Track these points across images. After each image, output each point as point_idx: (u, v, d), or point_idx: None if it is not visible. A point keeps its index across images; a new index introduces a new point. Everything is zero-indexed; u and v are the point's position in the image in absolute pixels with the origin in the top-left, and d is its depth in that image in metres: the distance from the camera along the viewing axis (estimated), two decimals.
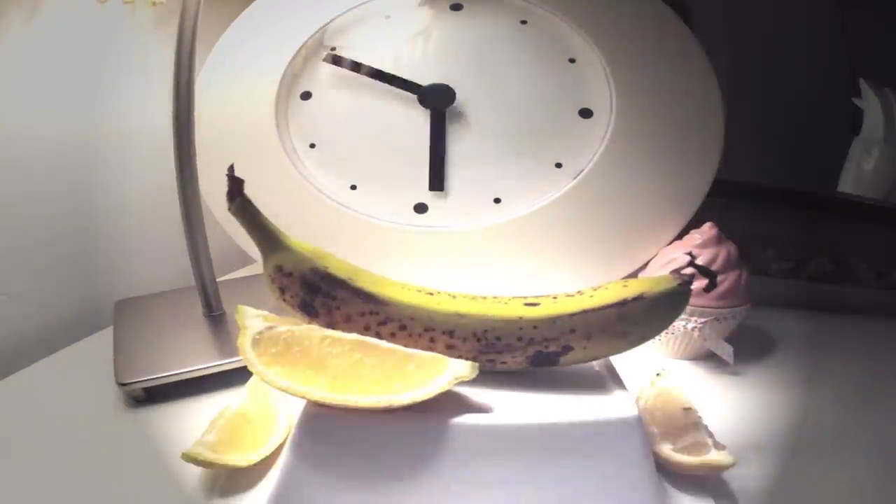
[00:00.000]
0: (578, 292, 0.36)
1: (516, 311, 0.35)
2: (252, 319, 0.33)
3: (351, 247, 0.42)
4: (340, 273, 0.35)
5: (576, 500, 0.32)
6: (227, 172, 0.34)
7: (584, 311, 0.34)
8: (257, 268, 0.48)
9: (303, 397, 0.31)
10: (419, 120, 0.51)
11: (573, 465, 0.32)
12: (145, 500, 0.34)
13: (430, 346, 0.35)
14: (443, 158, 0.50)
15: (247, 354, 0.32)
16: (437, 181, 0.49)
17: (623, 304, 0.34)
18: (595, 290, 0.36)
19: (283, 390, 0.31)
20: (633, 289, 0.35)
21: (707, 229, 0.47)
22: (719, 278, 0.44)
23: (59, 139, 0.52)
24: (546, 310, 0.34)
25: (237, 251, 0.50)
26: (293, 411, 0.36)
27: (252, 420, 0.37)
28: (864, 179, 0.62)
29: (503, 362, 0.35)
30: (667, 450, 0.35)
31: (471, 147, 0.50)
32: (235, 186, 0.34)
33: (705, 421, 0.37)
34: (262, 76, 0.52)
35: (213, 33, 0.54)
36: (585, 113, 0.50)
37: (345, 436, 0.32)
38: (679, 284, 0.35)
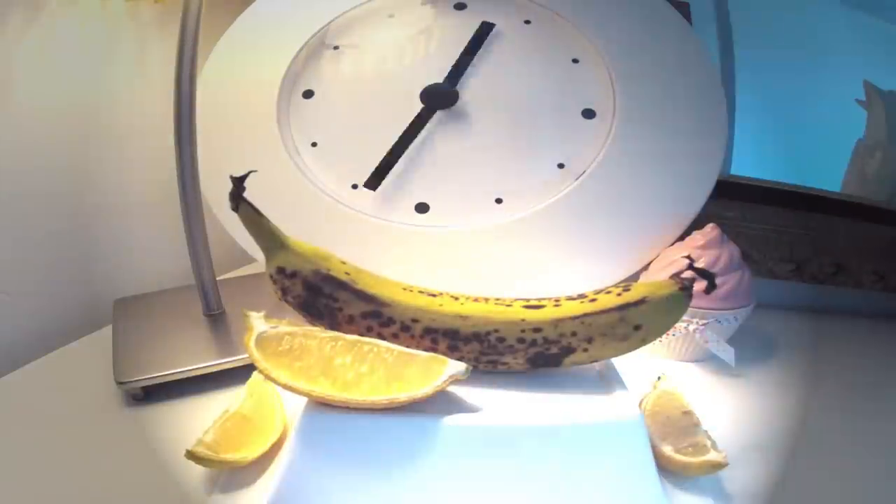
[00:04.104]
0: (580, 295, 0.36)
1: (519, 313, 0.35)
2: (257, 320, 0.34)
3: (352, 246, 0.42)
4: (342, 275, 0.35)
5: (578, 499, 0.32)
6: (231, 175, 0.34)
7: (586, 315, 0.34)
8: (257, 267, 0.48)
9: (305, 396, 0.32)
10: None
11: (575, 465, 0.32)
12: (144, 499, 0.34)
13: (432, 347, 0.35)
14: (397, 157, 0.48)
15: (252, 354, 0.32)
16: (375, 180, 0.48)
17: (624, 308, 0.34)
18: (597, 293, 0.35)
19: (287, 389, 0.31)
20: (634, 293, 0.35)
21: (709, 230, 0.47)
22: (721, 280, 0.44)
23: (59, 137, 0.52)
24: (548, 312, 0.34)
25: (237, 250, 0.50)
26: (293, 410, 0.36)
27: (251, 419, 0.37)
28: (866, 181, 0.61)
29: (505, 363, 0.35)
30: (668, 451, 0.35)
31: (473, 147, 0.50)
32: (238, 188, 0.34)
33: (706, 421, 0.37)
34: (263, 74, 0.52)
35: (214, 32, 0.54)
36: (588, 113, 0.50)
37: (346, 434, 0.32)
38: (680, 289, 0.35)
